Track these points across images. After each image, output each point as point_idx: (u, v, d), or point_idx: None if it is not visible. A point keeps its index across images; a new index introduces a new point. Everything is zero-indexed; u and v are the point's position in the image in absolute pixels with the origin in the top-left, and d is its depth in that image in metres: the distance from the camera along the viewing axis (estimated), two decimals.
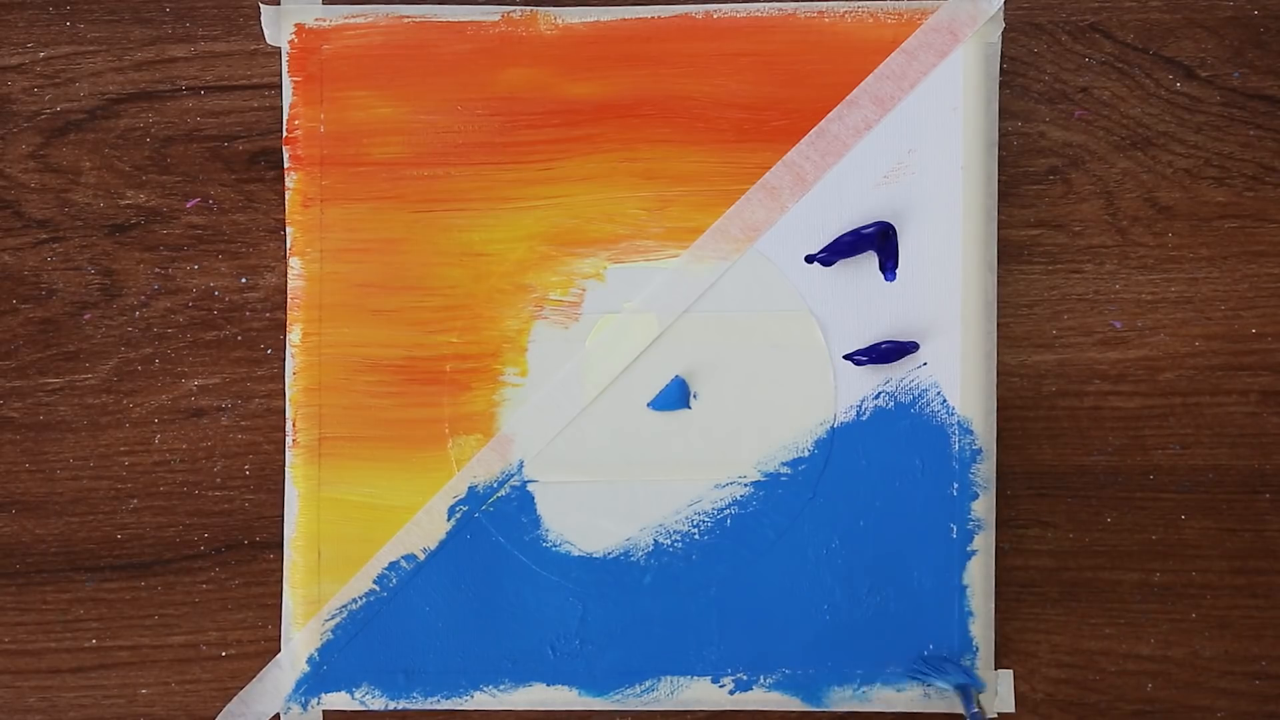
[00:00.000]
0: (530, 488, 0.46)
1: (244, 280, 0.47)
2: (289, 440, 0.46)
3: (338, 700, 0.46)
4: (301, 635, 0.45)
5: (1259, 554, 0.46)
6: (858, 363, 0.45)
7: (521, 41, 0.46)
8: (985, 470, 0.45)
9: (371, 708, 0.46)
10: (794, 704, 0.45)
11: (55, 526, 0.47)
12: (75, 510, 0.47)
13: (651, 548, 0.45)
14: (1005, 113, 0.46)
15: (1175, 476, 0.46)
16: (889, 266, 0.45)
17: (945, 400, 0.45)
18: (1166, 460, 0.46)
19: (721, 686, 0.45)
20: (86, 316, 0.47)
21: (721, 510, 0.45)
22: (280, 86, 0.46)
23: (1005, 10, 0.45)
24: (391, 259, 0.46)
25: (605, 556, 0.45)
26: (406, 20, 0.46)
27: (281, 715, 0.46)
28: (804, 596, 0.45)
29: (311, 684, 0.45)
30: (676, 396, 0.45)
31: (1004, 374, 0.46)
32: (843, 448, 0.45)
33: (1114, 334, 0.47)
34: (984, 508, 0.45)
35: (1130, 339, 0.47)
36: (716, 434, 0.45)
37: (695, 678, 0.45)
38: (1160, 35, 0.47)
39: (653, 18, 0.46)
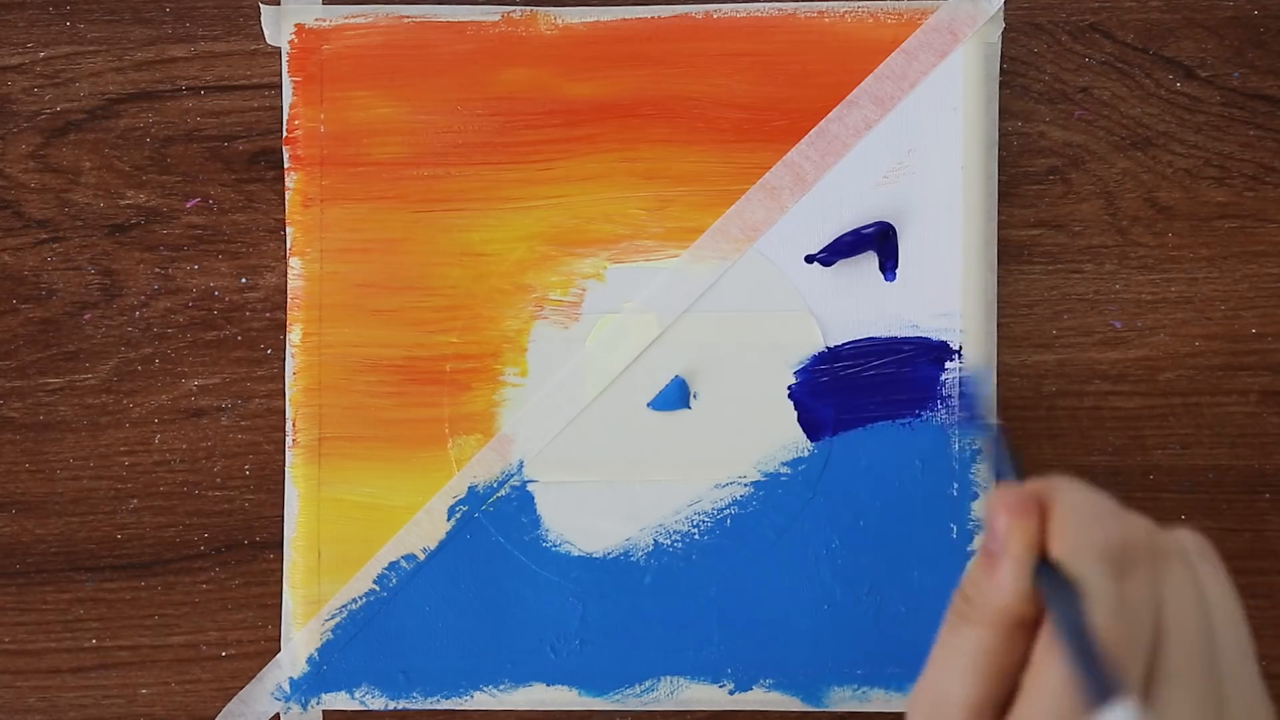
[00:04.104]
0: (530, 488, 0.46)
1: (244, 280, 0.47)
2: (289, 440, 0.46)
3: (338, 700, 0.46)
4: (301, 635, 0.45)
5: (1259, 554, 0.46)
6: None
7: (521, 41, 0.46)
8: (985, 470, 0.45)
9: (371, 708, 0.46)
10: (794, 704, 0.45)
11: (55, 526, 0.47)
12: (75, 510, 0.47)
13: (651, 548, 0.45)
14: (1005, 113, 0.46)
15: (1175, 476, 0.46)
16: (889, 266, 0.45)
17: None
18: (1166, 460, 0.46)
19: (721, 686, 0.45)
20: (86, 316, 0.47)
21: (721, 510, 0.45)
22: (280, 86, 0.46)
23: (1005, 10, 0.45)
24: (391, 259, 0.46)
25: (605, 556, 0.45)
26: (406, 20, 0.46)
27: (281, 715, 0.46)
28: (804, 596, 0.45)
29: (311, 684, 0.45)
30: (676, 396, 0.45)
31: (1004, 374, 0.46)
32: (843, 448, 0.45)
33: (1114, 334, 0.47)
34: (984, 508, 0.45)
35: (1130, 339, 0.47)
36: (716, 434, 0.45)
37: (695, 678, 0.45)
38: (1160, 35, 0.47)
39: (653, 18, 0.46)
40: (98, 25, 0.47)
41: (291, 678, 0.46)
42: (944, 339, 0.45)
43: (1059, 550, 0.28)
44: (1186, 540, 0.29)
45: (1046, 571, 0.28)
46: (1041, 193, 0.47)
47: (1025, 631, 0.29)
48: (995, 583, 0.29)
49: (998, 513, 0.30)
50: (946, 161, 0.45)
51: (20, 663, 0.47)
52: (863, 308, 0.45)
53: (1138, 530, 0.29)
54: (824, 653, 0.45)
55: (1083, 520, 0.29)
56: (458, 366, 0.46)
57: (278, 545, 0.46)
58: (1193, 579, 0.28)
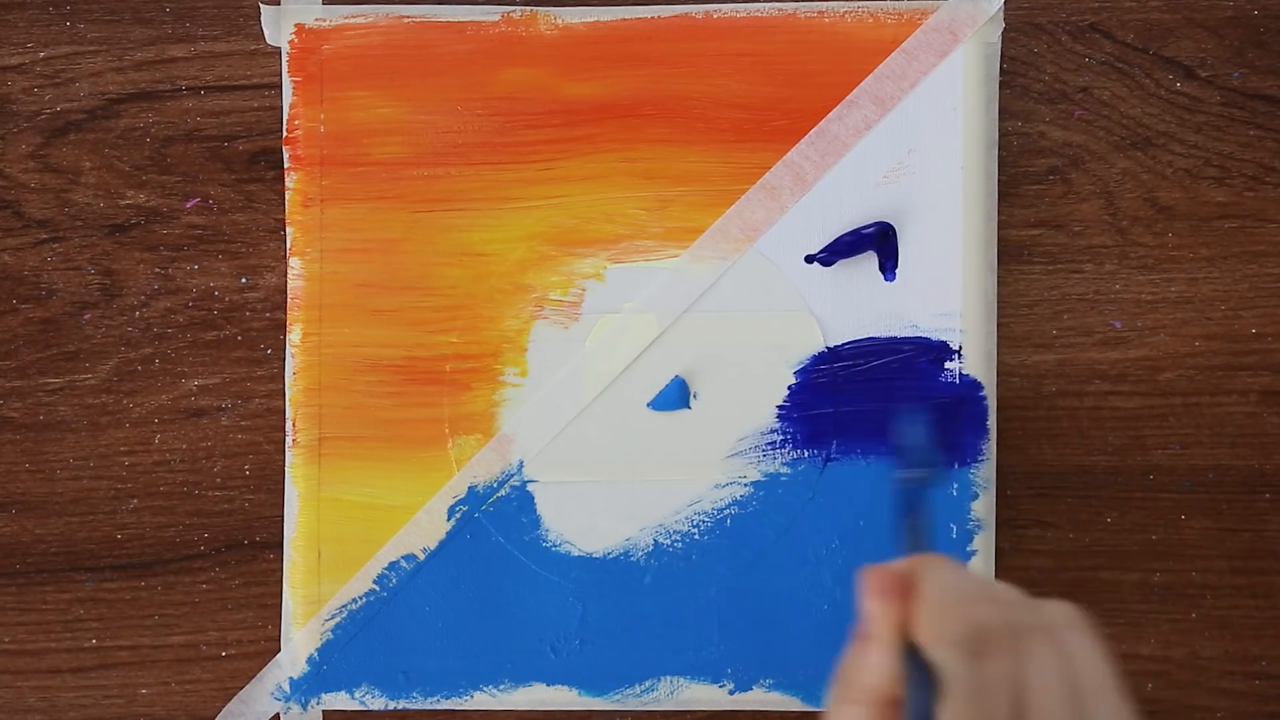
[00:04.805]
0: (530, 488, 0.46)
1: (244, 280, 0.47)
2: (289, 440, 0.46)
3: (338, 700, 0.46)
4: (301, 635, 0.45)
5: (1259, 554, 0.46)
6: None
7: (521, 42, 0.46)
8: (985, 470, 0.45)
9: (371, 708, 0.46)
10: (794, 704, 0.45)
11: (55, 526, 0.47)
12: (75, 510, 0.47)
13: (651, 548, 0.45)
14: (1005, 113, 0.46)
15: (1175, 476, 0.46)
16: (889, 266, 0.45)
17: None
18: (1166, 460, 0.46)
19: (721, 686, 0.45)
20: (86, 316, 0.47)
21: (721, 510, 0.45)
22: (280, 86, 0.46)
23: (1005, 10, 0.45)
24: (391, 259, 0.46)
25: (605, 556, 0.45)
26: (406, 20, 0.46)
27: (281, 715, 0.46)
28: (804, 596, 0.45)
29: (311, 684, 0.45)
30: (676, 396, 0.45)
31: (1004, 374, 0.46)
32: (843, 448, 0.45)
33: (1114, 334, 0.47)
34: (984, 508, 0.45)
35: (1130, 339, 0.47)
36: (716, 434, 0.45)
37: (695, 678, 0.45)
38: (1160, 35, 0.47)
39: (653, 18, 0.46)
40: (98, 25, 0.47)
41: (291, 678, 0.46)
42: (944, 339, 0.45)
43: (921, 636, 0.29)
44: (1057, 614, 0.30)
45: (912, 656, 0.29)
46: (1041, 193, 0.47)
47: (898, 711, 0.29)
48: (866, 664, 0.30)
49: (866, 595, 0.30)
50: (946, 161, 0.45)
51: (20, 663, 0.47)
52: (863, 308, 0.45)
53: (996, 613, 0.29)
54: (824, 653, 0.45)
55: (941, 605, 0.29)
56: (458, 366, 0.46)
57: (278, 545, 0.46)
58: (1056, 654, 0.28)
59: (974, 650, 0.28)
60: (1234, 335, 0.47)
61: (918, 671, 0.29)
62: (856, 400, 0.45)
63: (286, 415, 0.46)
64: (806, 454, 0.45)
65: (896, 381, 0.45)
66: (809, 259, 0.45)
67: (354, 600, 0.45)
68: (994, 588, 0.31)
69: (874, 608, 0.30)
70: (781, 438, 0.45)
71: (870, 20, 0.45)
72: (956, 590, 0.30)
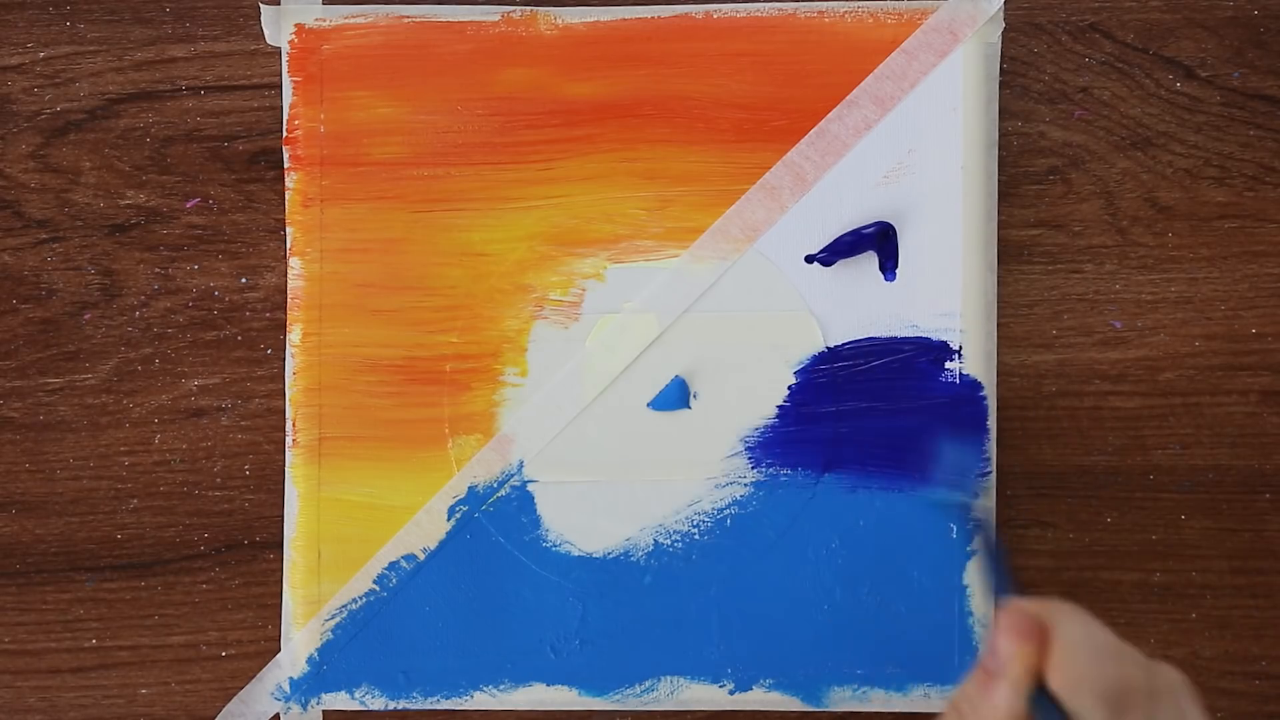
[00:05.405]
0: (530, 488, 0.46)
1: (244, 280, 0.47)
2: (289, 440, 0.46)
3: (338, 700, 0.46)
4: (301, 635, 0.45)
5: (1259, 554, 0.46)
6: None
7: (521, 42, 0.46)
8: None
9: (371, 708, 0.46)
10: (794, 704, 0.45)
11: (55, 526, 0.47)
12: (75, 510, 0.47)
13: (651, 548, 0.45)
14: (1005, 113, 0.46)
15: (1175, 476, 0.47)
16: (889, 266, 0.45)
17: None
18: (1166, 460, 0.46)
19: (721, 686, 0.45)
20: (86, 316, 0.47)
21: (721, 510, 0.45)
22: (280, 86, 0.46)
23: (1005, 10, 0.45)
24: (391, 259, 0.46)
25: (605, 556, 0.45)
26: (406, 20, 0.46)
27: (281, 715, 0.46)
28: (804, 596, 0.45)
29: (311, 684, 0.45)
30: (676, 396, 0.45)
31: (1004, 374, 0.46)
32: (843, 448, 0.45)
33: (1114, 334, 0.47)
34: (984, 508, 0.45)
35: (1130, 339, 0.47)
36: (716, 434, 0.45)
37: (695, 678, 0.45)
38: (1160, 35, 0.47)
39: (653, 18, 0.46)
40: (98, 25, 0.47)
41: (291, 678, 0.46)
42: (944, 339, 0.45)
43: (1058, 683, 0.29)
44: (1173, 678, 0.31)
45: (1043, 700, 0.29)
46: (1041, 193, 0.47)
47: None
48: (990, 702, 0.30)
49: (1002, 634, 0.31)
50: (946, 161, 0.45)
51: (20, 663, 0.47)
52: (863, 308, 0.45)
53: (1134, 671, 0.30)
54: (824, 653, 0.45)
55: (1084, 656, 0.30)
56: (458, 366, 0.46)
57: (278, 545, 0.46)
58: (1179, 718, 0.30)
59: (1116, 706, 0.29)
60: (1234, 335, 0.47)
61: (1050, 716, 0.29)
62: (856, 400, 0.45)
63: (286, 415, 0.46)
64: (807, 454, 0.45)
65: (896, 381, 0.45)
66: (809, 259, 0.45)
67: (354, 600, 0.45)
68: (1122, 644, 0.31)
69: (1010, 648, 0.30)
70: (782, 437, 0.45)
71: (870, 20, 0.45)
72: (1096, 643, 0.31)
